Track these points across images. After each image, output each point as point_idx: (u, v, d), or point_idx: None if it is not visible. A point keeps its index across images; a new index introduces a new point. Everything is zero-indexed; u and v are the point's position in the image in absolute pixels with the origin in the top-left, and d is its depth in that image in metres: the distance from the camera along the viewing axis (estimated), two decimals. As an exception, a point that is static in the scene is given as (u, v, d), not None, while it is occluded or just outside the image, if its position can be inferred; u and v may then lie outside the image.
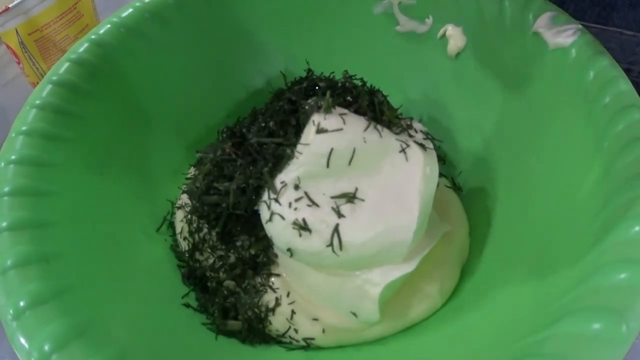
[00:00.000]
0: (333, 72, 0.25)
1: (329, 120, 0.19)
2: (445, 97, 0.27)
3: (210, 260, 0.23)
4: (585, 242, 0.17)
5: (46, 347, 0.15)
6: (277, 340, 0.21)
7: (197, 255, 0.23)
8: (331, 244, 0.18)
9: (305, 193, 0.19)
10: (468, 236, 0.24)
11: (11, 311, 0.16)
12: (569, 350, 0.13)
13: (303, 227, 0.18)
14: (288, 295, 0.22)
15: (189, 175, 0.26)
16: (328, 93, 0.20)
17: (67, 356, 0.15)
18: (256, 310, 0.21)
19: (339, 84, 0.22)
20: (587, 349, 0.13)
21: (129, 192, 0.24)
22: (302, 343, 0.21)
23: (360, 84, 0.23)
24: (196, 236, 0.23)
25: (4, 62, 0.39)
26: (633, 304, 0.14)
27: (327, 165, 0.18)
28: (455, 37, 0.25)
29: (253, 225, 0.22)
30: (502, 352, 0.16)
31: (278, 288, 0.22)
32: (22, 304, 0.16)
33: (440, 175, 0.26)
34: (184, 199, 0.25)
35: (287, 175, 0.19)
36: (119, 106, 0.25)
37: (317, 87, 0.23)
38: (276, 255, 0.22)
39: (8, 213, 0.18)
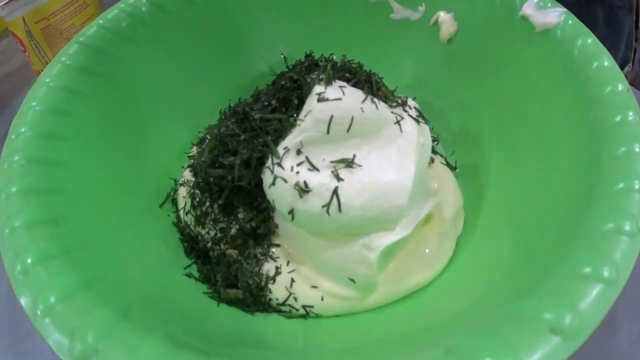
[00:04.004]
0: (332, 54, 0.26)
1: (330, 91, 0.20)
2: (438, 81, 0.28)
3: (212, 233, 0.23)
4: (574, 199, 0.18)
5: (52, 299, 0.15)
6: (277, 309, 0.22)
7: (200, 228, 0.23)
8: (328, 205, 0.19)
9: (307, 158, 0.19)
10: (463, 209, 0.24)
11: (19, 267, 0.16)
12: (563, 290, 0.14)
13: (304, 189, 0.19)
14: (288, 264, 0.22)
15: (191, 153, 0.27)
16: (329, 66, 0.21)
17: (72, 306, 0.15)
18: (257, 278, 0.22)
19: (339, 64, 0.24)
20: (580, 289, 0.14)
21: (134, 169, 0.25)
22: (302, 311, 0.21)
23: (357, 67, 0.24)
24: (199, 210, 0.23)
25: (9, 53, 0.40)
26: (620, 250, 0.14)
27: (328, 132, 0.19)
28: (447, 23, 0.27)
29: (254, 197, 0.22)
30: (497, 305, 0.17)
31: (278, 257, 0.22)
32: (29, 260, 0.16)
33: (435, 153, 0.27)
34: (187, 176, 0.25)
35: (289, 141, 0.20)
36: (125, 88, 0.26)
37: (317, 67, 0.24)
38: (277, 226, 0.23)
39: (18, 179, 0.19)
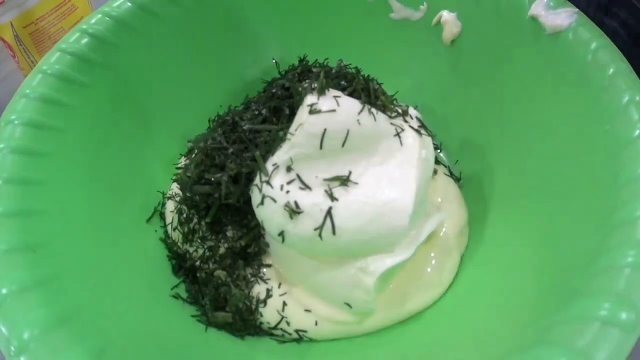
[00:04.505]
0: (327, 58, 0.24)
1: (323, 101, 0.18)
2: (441, 85, 0.27)
3: (200, 251, 0.22)
4: (589, 225, 0.16)
5: (26, 335, 0.15)
6: (269, 332, 0.21)
7: (187, 246, 0.22)
8: (321, 228, 0.17)
9: (298, 175, 0.18)
10: (467, 224, 0.23)
11: (-7, 299, 0.15)
12: (577, 337, 0.13)
13: (295, 210, 0.18)
14: (279, 286, 0.21)
15: (179, 165, 0.25)
16: (322, 74, 0.19)
17: (46, 345, 0.15)
18: (246, 302, 0.20)
19: (333, 70, 0.22)
20: (595, 336, 0.12)
21: (120, 183, 0.23)
22: (295, 335, 0.20)
23: (354, 72, 0.23)
24: (186, 227, 0.22)
25: (1, 58, 0.39)
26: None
27: (320, 147, 0.18)
28: (450, 23, 0.25)
29: (244, 214, 0.21)
30: (506, 341, 0.15)
31: (269, 279, 0.21)
32: (4, 291, 0.16)
33: (438, 163, 0.26)
34: (175, 189, 0.24)
35: (279, 157, 0.18)
36: (110, 97, 0.24)
37: (311, 73, 0.22)
38: (267, 245, 0.21)
39: (-4, 201, 0.18)
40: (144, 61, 0.26)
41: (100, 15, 0.25)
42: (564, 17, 0.21)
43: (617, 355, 0.12)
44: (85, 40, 0.24)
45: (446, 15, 0.25)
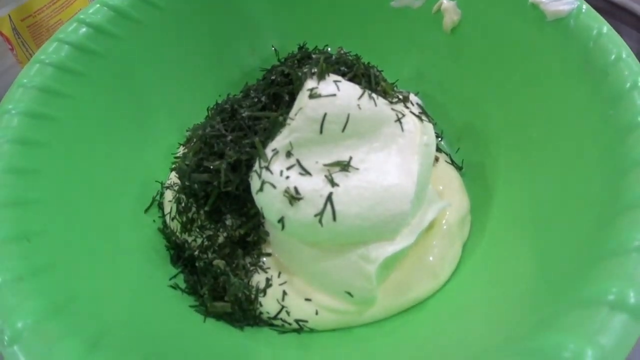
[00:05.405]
0: (327, 45, 0.24)
1: (323, 86, 0.18)
2: (441, 73, 0.26)
3: (199, 240, 0.22)
4: (594, 210, 0.16)
5: (19, 325, 0.14)
6: (269, 323, 0.20)
7: (186, 235, 0.22)
8: (321, 214, 0.17)
9: (297, 161, 0.18)
10: (469, 213, 0.23)
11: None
12: (584, 323, 0.12)
13: (295, 196, 0.17)
14: (279, 275, 0.21)
15: (178, 154, 0.25)
16: (322, 59, 0.19)
17: (39, 334, 0.14)
18: (246, 291, 0.20)
19: (333, 57, 0.22)
20: (603, 321, 0.12)
21: (117, 173, 0.23)
22: (295, 325, 0.20)
23: (354, 59, 0.23)
24: (185, 216, 0.22)
25: (0, 52, 0.39)
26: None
27: (321, 132, 0.18)
28: (450, 11, 0.25)
29: (243, 202, 0.21)
30: (510, 329, 0.15)
31: (269, 268, 0.21)
32: (-1, 280, 0.15)
33: (439, 151, 0.25)
34: (173, 178, 0.24)
35: (278, 143, 0.18)
36: (108, 86, 0.24)
37: (310, 59, 0.22)
38: (267, 234, 0.21)
39: (-8, 190, 0.18)
40: (142, 51, 0.26)
41: (98, 5, 0.25)
42: (565, 3, 0.21)
43: (625, 341, 0.12)
44: (83, 30, 0.24)
45: (446, 3, 0.25)
